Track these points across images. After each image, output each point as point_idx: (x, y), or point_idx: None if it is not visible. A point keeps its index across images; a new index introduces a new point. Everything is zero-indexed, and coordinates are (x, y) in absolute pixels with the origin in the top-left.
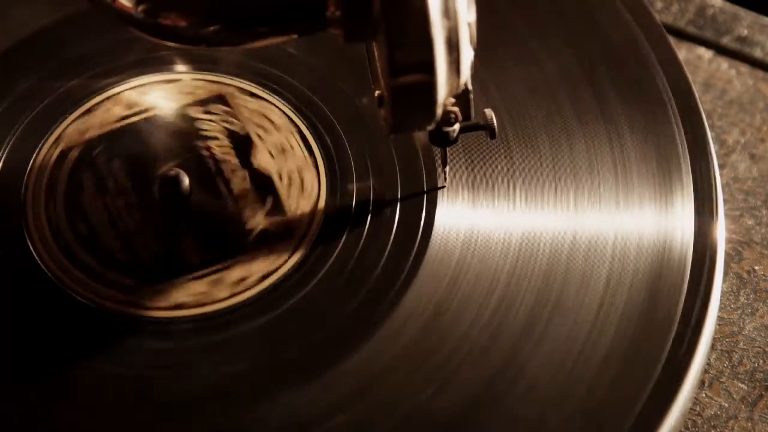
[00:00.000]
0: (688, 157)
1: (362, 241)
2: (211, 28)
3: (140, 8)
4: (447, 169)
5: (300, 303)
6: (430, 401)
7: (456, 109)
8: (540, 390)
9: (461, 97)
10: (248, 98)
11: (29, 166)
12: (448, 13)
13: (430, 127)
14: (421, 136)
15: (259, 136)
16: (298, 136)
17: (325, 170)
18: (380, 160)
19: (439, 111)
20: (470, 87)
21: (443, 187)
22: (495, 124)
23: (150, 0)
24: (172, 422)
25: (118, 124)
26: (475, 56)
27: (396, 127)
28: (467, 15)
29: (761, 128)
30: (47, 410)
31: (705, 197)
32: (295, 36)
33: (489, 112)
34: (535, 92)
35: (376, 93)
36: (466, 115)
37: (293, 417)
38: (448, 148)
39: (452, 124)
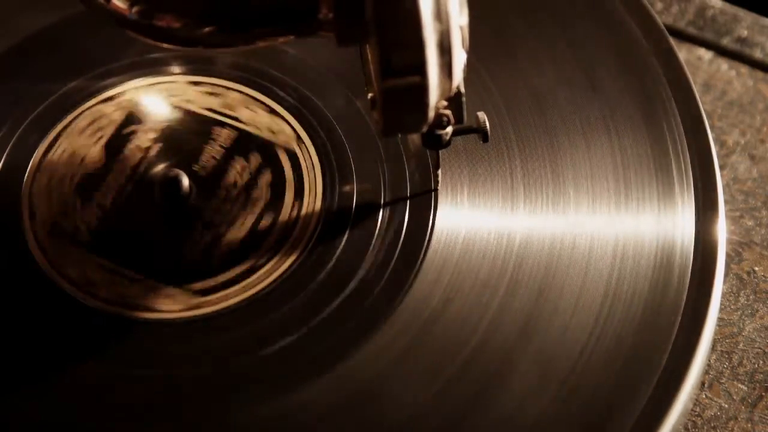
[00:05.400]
0: (688, 158)
1: (361, 242)
2: (206, 29)
3: (135, 9)
4: (440, 172)
5: (299, 304)
6: (428, 404)
7: (448, 112)
8: (541, 391)
9: (454, 100)
10: (246, 99)
11: (29, 167)
12: (440, 16)
13: (422, 130)
14: (414, 139)
15: (257, 138)
16: (296, 138)
17: (324, 172)
18: (376, 162)
19: (432, 114)
20: (463, 90)
21: (435, 189)
22: (488, 127)
23: (145, 1)
24: (172, 422)
25: (117, 125)
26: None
27: (388, 129)
28: (459, 18)
29: (761, 129)
30: (47, 410)
31: (705, 198)
32: (289, 38)
33: (482, 115)
34: (536, 93)
35: (369, 95)
36: (459, 118)
37: (292, 417)
38: (441, 151)
39: (445, 127)
